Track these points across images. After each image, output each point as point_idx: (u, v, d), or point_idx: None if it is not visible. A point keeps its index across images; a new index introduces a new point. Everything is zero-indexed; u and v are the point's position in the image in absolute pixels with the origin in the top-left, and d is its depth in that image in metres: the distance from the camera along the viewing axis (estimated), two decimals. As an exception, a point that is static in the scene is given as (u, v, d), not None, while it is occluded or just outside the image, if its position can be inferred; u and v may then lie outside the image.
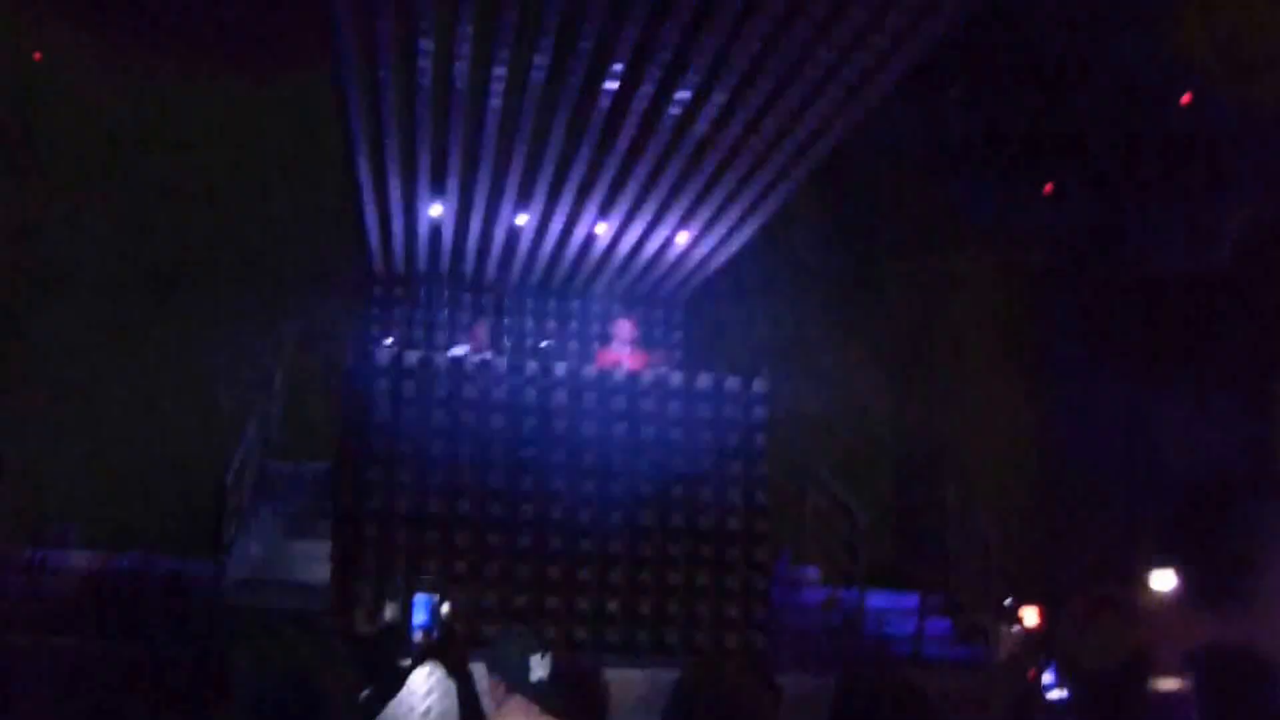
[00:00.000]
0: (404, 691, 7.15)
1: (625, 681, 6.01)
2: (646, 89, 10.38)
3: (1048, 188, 12.55)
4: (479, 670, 4.38)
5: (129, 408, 12.78)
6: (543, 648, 4.97)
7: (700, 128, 11.08)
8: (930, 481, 14.20)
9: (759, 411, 11.82)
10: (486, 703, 5.01)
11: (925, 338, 13.71)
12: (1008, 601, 11.33)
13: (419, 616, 3.67)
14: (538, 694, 4.92)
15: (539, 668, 4.87)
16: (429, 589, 3.81)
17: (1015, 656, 3.11)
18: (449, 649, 3.62)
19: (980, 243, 12.34)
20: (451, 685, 3.73)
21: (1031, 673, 3.04)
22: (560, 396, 11.40)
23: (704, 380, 11.76)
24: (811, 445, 13.63)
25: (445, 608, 3.69)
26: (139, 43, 10.67)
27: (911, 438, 14.93)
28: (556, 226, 13.62)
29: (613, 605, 10.99)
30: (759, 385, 11.88)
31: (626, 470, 11.34)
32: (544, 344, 14.24)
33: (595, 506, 11.16)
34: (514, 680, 4.88)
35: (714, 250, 14.32)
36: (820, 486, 13.43)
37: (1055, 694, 3.08)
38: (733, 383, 11.84)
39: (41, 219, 11.67)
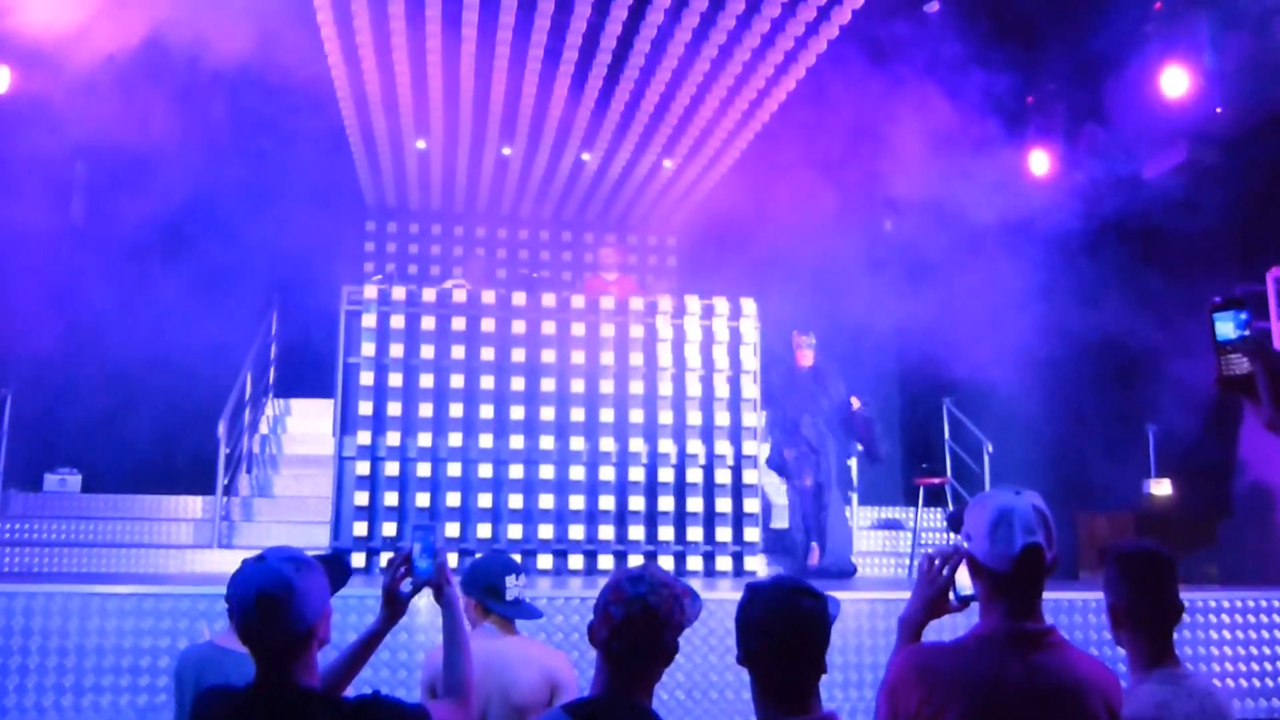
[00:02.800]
0: (412, 618, 7.24)
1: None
2: (618, 13, 10.24)
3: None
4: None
5: (131, 351, 12.76)
6: (518, 570, 4.99)
7: (673, 55, 10.95)
8: (930, 392, 14.19)
9: (751, 332, 11.74)
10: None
11: (927, 246, 13.56)
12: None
13: (417, 550, 3.80)
14: (511, 616, 4.96)
15: (513, 589, 4.96)
16: (425, 525, 3.95)
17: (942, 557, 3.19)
18: (438, 581, 3.87)
19: (983, 147, 12.17)
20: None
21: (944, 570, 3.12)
22: (549, 326, 11.34)
23: (694, 303, 11.68)
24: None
25: (431, 545, 3.82)
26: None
27: (913, 350, 14.86)
28: (543, 157, 13.52)
29: (606, 533, 10.98)
30: (750, 306, 11.79)
31: (617, 397, 11.30)
32: (535, 274, 14.19)
33: (585, 435, 11.14)
34: (489, 602, 4.90)
35: (702, 175, 14.22)
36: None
37: (968, 591, 3.16)
38: (724, 305, 11.75)
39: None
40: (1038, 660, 3.18)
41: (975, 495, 3.43)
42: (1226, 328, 3.05)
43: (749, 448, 11.38)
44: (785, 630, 3.30)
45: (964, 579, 3.45)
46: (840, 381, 11.76)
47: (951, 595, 3.47)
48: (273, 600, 3.18)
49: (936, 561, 3.49)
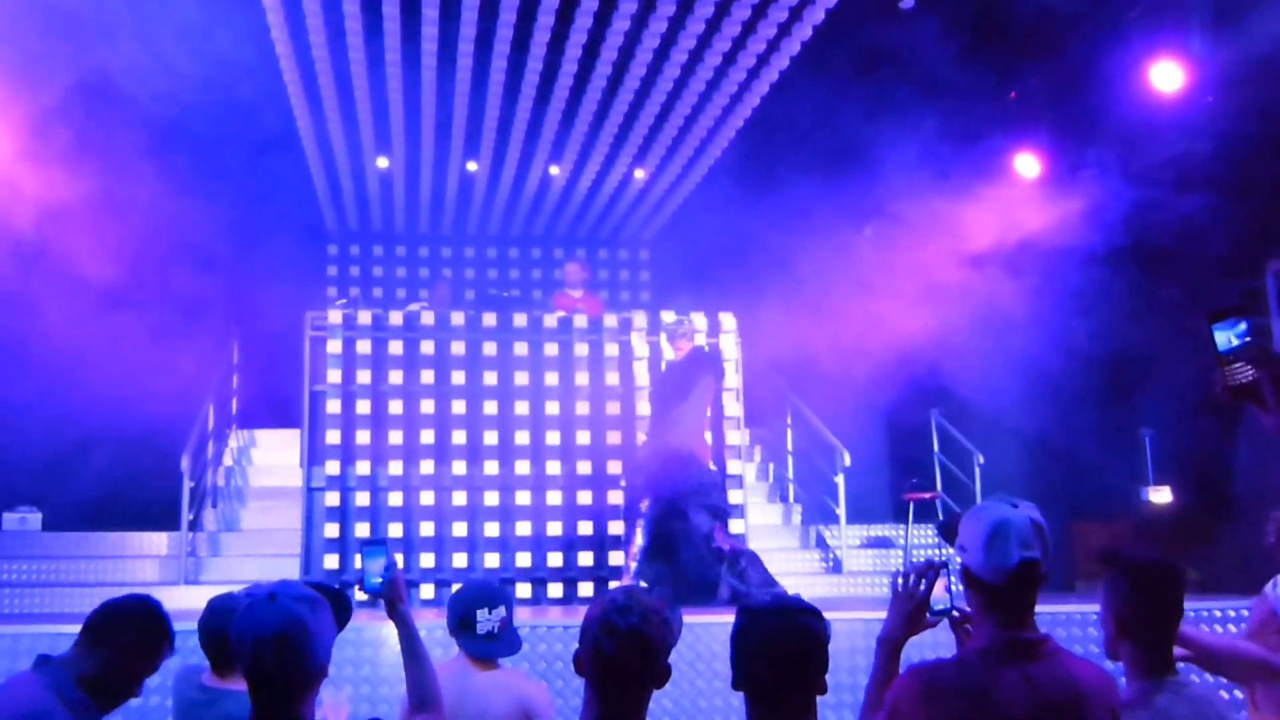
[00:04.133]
0: (379, 641, 7.26)
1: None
2: (582, 23, 10.28)
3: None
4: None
5: (90, 385, 12.70)
6: (493, 602, 4.96)
7: (641, 61, 10.98)
8: (917, 404, 14.17)
9: (730, 348, 11.77)
10: (444, 653, 5.07)
11: (911, 254, 13.59)
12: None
13: (372, 568, 4.00)
14: (480, 655, 4.92)
15: (486, 622, 4.92)
16: (376, 540, 4.05)
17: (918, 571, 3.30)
18: (391, 596, 3.99)
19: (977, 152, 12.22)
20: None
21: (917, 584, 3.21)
22: (521, 347, 11.36)
23: (670, 319, 11.70)
24: (792, 380, 13.53)
25: (386, 561, 3.97)
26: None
27: (898, 361, 14.83)
28: (510, 170, 13.54)
29: (585, 559, 10.99)
30: (729, 320, 11.83)
31: (593, 419, 11.31)
32: (505, 294, 14.19)
33: (562, 459, 11.15)
34: (461, 638, 4.90)
35: (675, 185, 14.26)
36: (801, 423, 13.39)
37: (942, 605, 3.26)
38: (701, 320, 11.77)
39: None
40: (1036, 670, 3.22)
41: (970, 507, 3.47)
42: (1225, 337, 3.12)
43: (733, 467, 11.41)
44: (788, 652, 3.35)
45: (938, 592, 3.52)
46: (703, 384, 10.39)
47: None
48: (289, 641, 3.21)
49: (912, 577, 3.57)
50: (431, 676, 3.94)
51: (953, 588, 3.55)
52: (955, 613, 3.56)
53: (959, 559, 3.36)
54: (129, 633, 4.16)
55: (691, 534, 9.80)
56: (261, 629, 3.21)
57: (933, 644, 3.98)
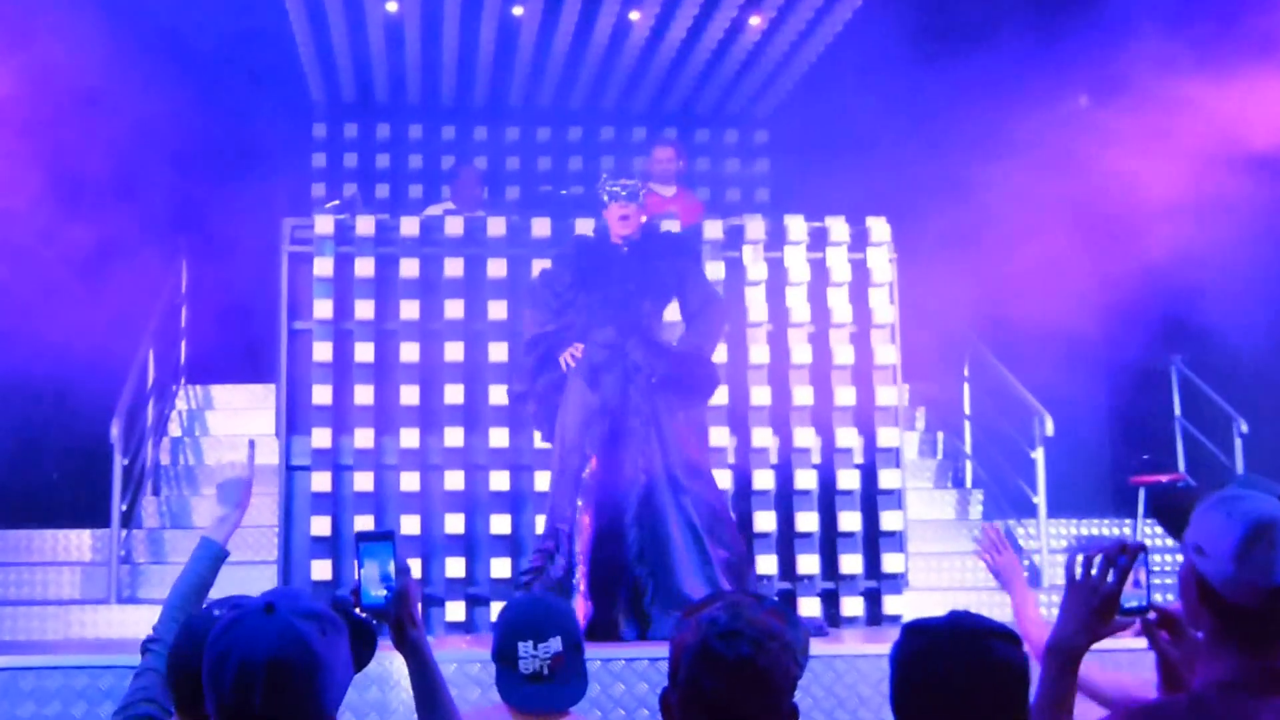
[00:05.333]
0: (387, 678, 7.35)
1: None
2: None
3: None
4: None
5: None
6: (539, 632, 4.81)
7: None
8: (1151, 349, 14.06)
9: (884, 267, 11.72)
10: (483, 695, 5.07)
11: (1144, 134, 13.48)
12: None
13: (372, 573, 3.84)
14: (521, 699, 4.82)
15: (531, 659, 4.78)
16: (384, 539, 3.93)
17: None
18: (399, 615, 3.84)
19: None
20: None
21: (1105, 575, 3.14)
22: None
23: (798, 227, 11.65)
24: (972, 316, 13.48)
25: (392, 563, 3.82)
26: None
27: (1123, 289, 14.74)
28: (570, 15, 13.54)
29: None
30: (881, 229, 11.77)
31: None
32: (564, 192, 14.14)
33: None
34: (499, 672, 4.86)
35: (804, 38, 14.18)
36: (984, 376, 13.34)
37: (1135, 601, 3.16)
38: (842, 228, 11.72)
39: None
40: None
41: (1214, 493, 3.41)
42: None
43: (887, 437, 11.36)
44: (973, 691, 3.26)
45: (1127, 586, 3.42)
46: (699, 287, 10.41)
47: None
48: (289, 670, 3.05)
49: (1097, 562, 3.43)
50: None
51: (1147, 579, 3.47)
52: (1153, 612, 3.50)
53: (1172, 557, 3.35)
54: None
55: None
56: (251, 650, 3.04)
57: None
